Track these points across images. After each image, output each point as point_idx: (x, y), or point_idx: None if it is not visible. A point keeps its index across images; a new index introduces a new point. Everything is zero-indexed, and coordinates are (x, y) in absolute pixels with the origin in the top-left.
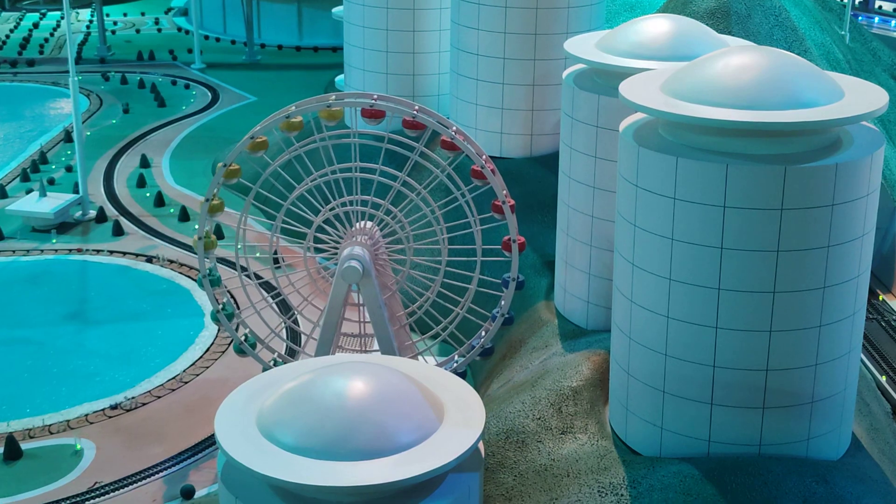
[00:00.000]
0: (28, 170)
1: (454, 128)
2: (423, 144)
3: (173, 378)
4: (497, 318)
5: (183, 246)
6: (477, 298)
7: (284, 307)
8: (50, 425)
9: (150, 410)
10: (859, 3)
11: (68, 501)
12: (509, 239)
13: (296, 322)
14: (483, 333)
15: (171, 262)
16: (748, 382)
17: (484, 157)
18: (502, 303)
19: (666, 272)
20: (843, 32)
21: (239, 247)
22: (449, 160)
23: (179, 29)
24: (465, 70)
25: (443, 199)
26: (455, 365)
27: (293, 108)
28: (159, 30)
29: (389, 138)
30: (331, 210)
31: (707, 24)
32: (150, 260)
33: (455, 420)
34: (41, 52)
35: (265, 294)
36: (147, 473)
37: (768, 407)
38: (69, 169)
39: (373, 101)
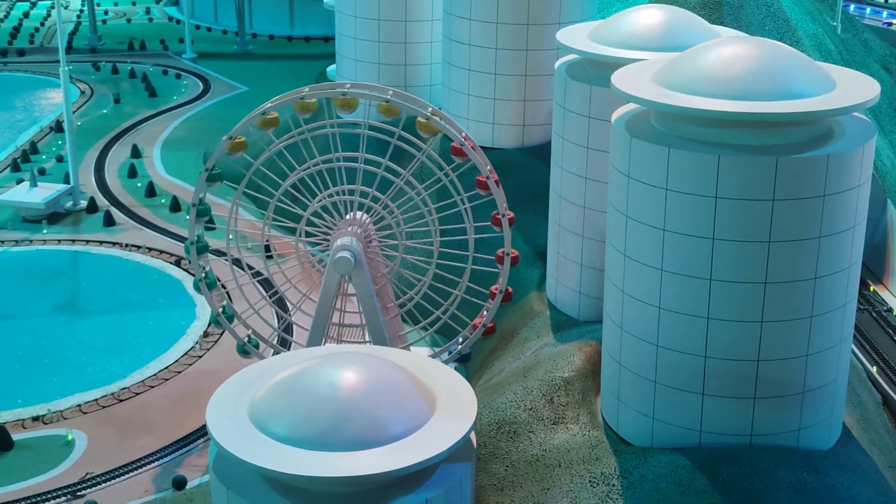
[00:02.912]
0: (19, 160)
1: (430, 108)
2: (401, 128)
3: (164, 369)
4: (497, 294)
5: (174, 236)
6: (473, 278)
7: (281, 301)
8: (41, 416)
9: (141, 401)
10: None
11: (60, 492)
12: (498, 214)
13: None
14: (485, 313)
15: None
16: (739, 372)
17: (463, 133)
18: (500, 279)
19: (658, 263)
20: (834, 23)
21: (231, 237)
22: (429, 142)
23: (170, 18)
24: (457, 60)
25: (428, 181)
26: (459, 347)
27: (269, 104)
28: (150, 19)
29: (368, 125)
30: (319, 202)
31: (699, 15)
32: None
33: (447, 410)
34: (31, 42)
35: (262, 291)
36: (139, 464)
37: (759, 397)
38: (60, 159)
39: (345, 91)
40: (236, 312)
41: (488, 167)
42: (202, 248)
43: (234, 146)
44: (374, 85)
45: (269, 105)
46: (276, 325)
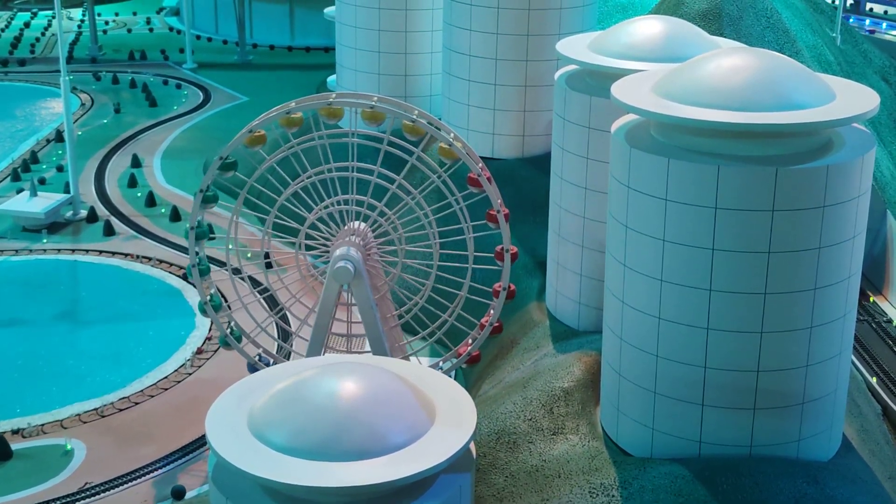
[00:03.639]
0: (19, 169)
1: (452, 134)
2: (421, 149)
3: (164, 378)
4: (501, 292)
5: (174, 246)
6: (466, 305)
7: (273, 303)
8: (41, 425)
9: (140, 410)
10: (850, 5)
11: (59, 502)
12: (502, 248)
13: (284, 318)
14: (471, 341)
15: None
16: (739, 383)
17: (480, 164)
18: (491, 311)
19: (657, 273)
20: (834, 34)
21: (230, 246)
22: (446, 167)
23: (171, 29)
24: (458, 71)
25: (437, 204)
26: (443, 365)
27: (293, 104)
28: (151, 29)
29: (389, 140)
30: (325, 209)
31: (699, 26)
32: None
33: (446, 421)
34: (32, 52)
35: (252, 289)
36: (138, 474)
37: (759, 408)
38: (60, 169)
39: (373, 103)
40: (224, 303)
41: (499, 200)
42: (201, 234)
43: (253, 140)
44: (400, 101)
45: (294, 105)
46: (262, 323)
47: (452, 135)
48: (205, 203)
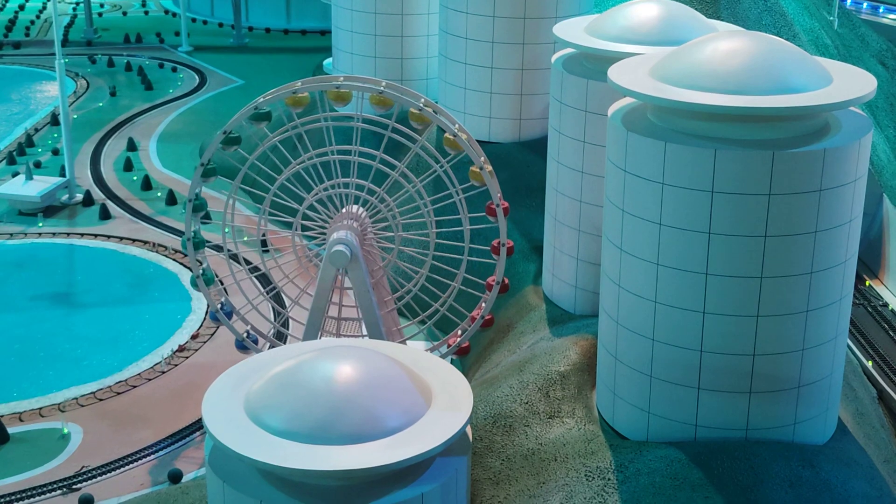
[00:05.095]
0: (14, 153)
1: (457, 125)
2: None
3: (160, 362)
4: (494, 286)
5: (170, 230)
6: (461, 294)
7: (267, 281)
8: (37, 409)
9: (137, 394)
10: None
11: (56, 485)
12: (499, 242)
13: (264, 278)
14: (460, 332)
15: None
16: (735, 367)
17: (483, 157)
18: (482, 304)
19: (654, 257)
20: (831, 18)
21: (227, 230)
22: (448, 157)
23: (167, 11)
24: (454, 54)
25: (436, 195)
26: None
27: (299, 83)
28: (146, 12)
29: (393, 127)
30: (324, 191)
31: (696, 9)
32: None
33: (443, 404)
34: (27, 35)
35: (243, 265)
36: (134, 457)
37: (755, 392)
38: (56, 152)
39: (381, 88)
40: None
41: (499, 194)
42: (199, 207)
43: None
44: (409, 90)
45: (300, 85)
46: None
47: (457, 126)
48: (205, 176)
